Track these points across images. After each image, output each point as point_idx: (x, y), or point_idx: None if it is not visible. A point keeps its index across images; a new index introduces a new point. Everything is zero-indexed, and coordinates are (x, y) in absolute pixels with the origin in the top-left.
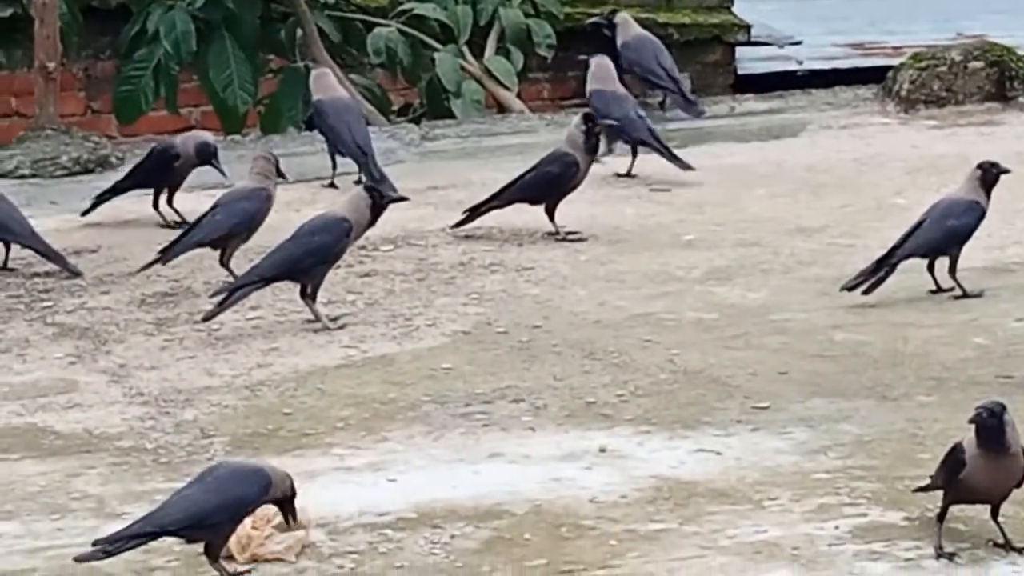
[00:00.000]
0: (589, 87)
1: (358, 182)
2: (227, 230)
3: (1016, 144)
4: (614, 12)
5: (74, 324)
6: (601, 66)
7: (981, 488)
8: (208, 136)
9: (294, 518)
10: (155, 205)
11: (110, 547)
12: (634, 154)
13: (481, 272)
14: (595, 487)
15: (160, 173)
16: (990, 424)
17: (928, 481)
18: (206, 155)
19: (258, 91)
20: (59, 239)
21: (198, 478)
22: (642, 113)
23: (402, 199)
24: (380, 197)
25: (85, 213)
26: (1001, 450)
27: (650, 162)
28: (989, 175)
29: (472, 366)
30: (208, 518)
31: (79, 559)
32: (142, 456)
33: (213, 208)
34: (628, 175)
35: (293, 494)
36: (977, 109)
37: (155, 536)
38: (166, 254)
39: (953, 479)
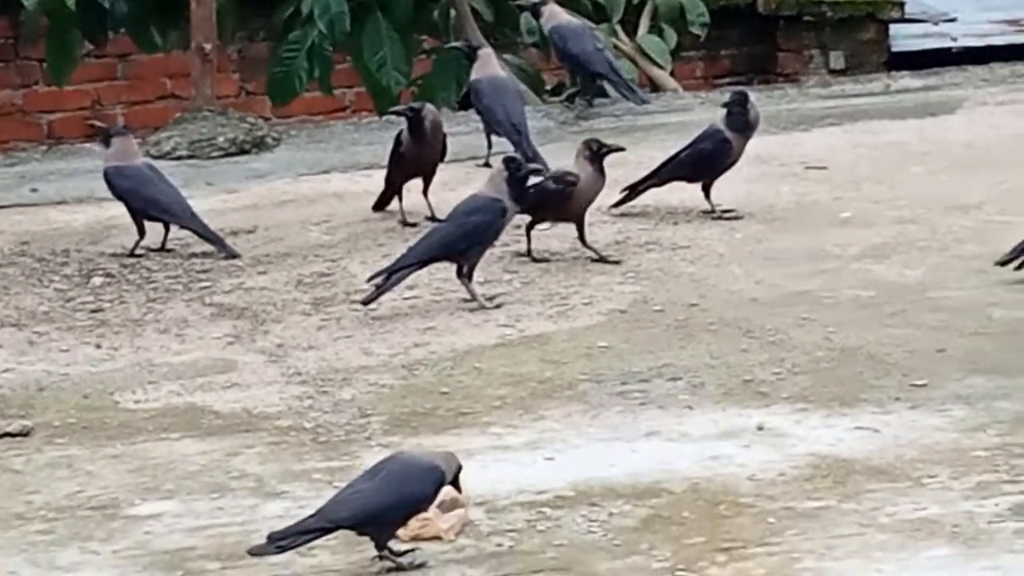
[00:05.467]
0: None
1: (485, 164)
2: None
3: None
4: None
5: (232, 304)
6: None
7: None
8: None
9: (458, 490)
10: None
11: (284, 542)
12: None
13: (637, 250)
14: (753, 465)
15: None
16: None
17: None
18: None
19: (412, 72)
20: (215, 220)
21: (371, 472)
22: (600, 46)
23: (540, 171)
24: (517, 169)
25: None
26: None
27: (805, 140)
28: None
29: (628, 344)
30: (382, 515)
31: (253, 552)
32: (301, 435)
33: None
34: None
35: (459, 469)
36: None
37: (329, 531)
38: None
39: None
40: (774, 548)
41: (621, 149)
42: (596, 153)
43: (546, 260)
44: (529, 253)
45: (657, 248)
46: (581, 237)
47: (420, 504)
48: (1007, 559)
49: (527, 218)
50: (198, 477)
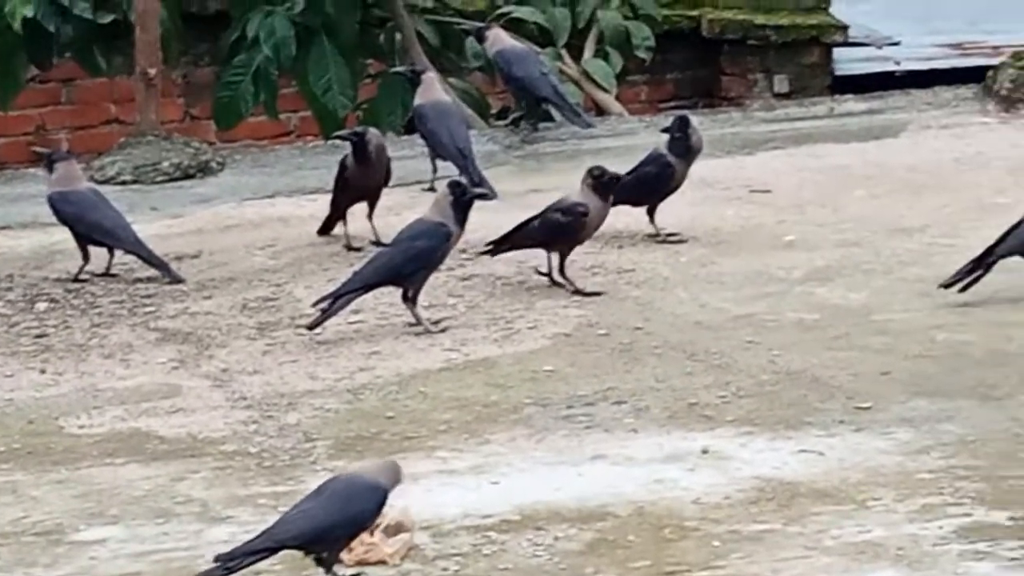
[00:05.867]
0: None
1: (430, 188)
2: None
3: None
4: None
5: (177, 329)
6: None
7: None
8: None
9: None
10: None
11: (232, 563)
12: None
13: (582, 274)
14: (698, 488)
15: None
16: None
17: None
18: None
19: (357, 95)
20: (160, 245)
21: (316, 492)
22: (545, 70)
23: (485, 196)
24: (462, 193)
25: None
26: None
27: (749, 163)
28: None
29: (574, 368)
30: (328, 534)
31: None
32: (246, 460)
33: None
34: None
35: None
36: None
37: (275, 551)
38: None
39: None
40: (719, 571)
41: (619, 177)
42: (599, 180)
43: (584, 293)
44: (575, 291)
45: (602, 272)
46: (561, 263)
47: (365, 523)
48: None
49: (470, 241)
50: (143, 502)
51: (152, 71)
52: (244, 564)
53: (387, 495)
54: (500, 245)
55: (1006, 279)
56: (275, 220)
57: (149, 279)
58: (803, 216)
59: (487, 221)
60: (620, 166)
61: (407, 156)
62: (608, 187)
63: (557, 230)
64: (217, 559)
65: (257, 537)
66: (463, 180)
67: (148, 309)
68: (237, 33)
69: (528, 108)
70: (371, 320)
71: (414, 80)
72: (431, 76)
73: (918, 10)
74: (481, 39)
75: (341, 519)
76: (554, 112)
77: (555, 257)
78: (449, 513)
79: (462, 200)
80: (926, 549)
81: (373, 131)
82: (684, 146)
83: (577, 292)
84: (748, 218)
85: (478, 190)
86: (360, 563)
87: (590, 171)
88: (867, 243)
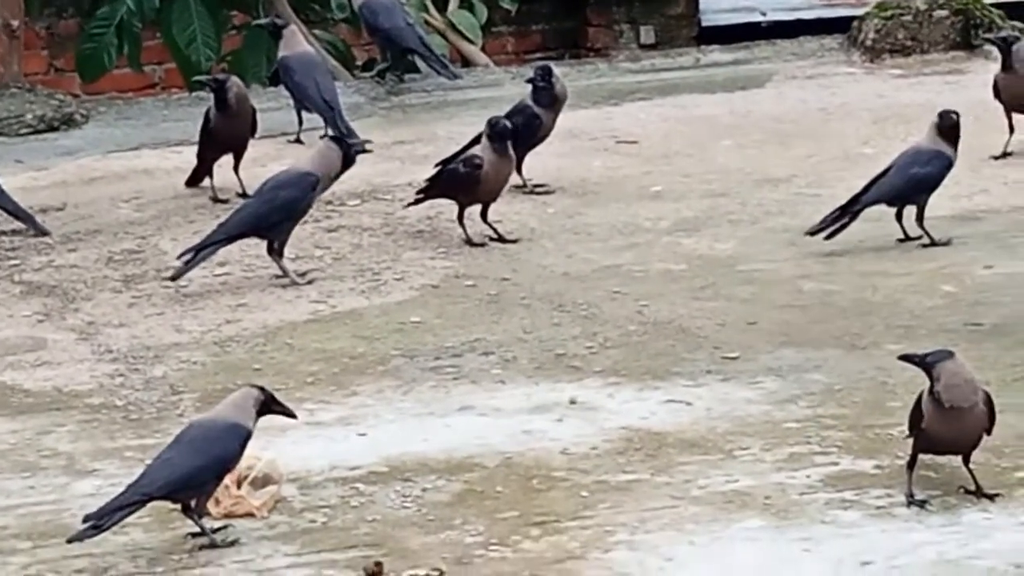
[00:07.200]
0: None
1: (324, 136)
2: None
3: (982, 92)
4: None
5: (41, 282)
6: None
7: (941, 439)
8: None
9: (289, 413)
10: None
11: (100, 522)
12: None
13: (448, 226)
14: (566, 439)
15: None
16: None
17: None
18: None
19: (221, 48)
20: (25, 197)
21: (175, 440)
22: (411, 20)
23: (366, 150)
24: (349, 148)
25: None
26: (952, 402)
27: (616, 114)
28: (946, 124)
29: (441, 319)
30: (193, 479)
31: (71, 540)
32: (112, 413)
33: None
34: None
35: (268, 397)
36: (942, 58)
37: (143, 504)
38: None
39: (917, 429)
40: (587, 521)
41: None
42: (495, 129)
43: (481, 244)
44: (468, 240)
45: (469, 223)
46: (483, 214)
47: (229, 463)
48: (819, 530)
49: (336, 193)
50: (8, 456)
51: (15, 23)
52: (114, 521)
53: (249, 432)
54: (422, 196)
55: (871, 228)
56: (140, 172)
57: (14, 232)
58: (670, 167)
59: (352, 172)
60: (486, 117)
61: (272, 108)
62: (501, 136)
63: (455, 180)
64: (86, 519)
65: (123, 492)
66: (349, 138)
67: (13, 262)
68: None
69: (394, 59)
70: (237, 272)
71: (276, 33)
72: (293, 28)
73: None
74: None
75: (205, 462)
76: (420, 63)
77: (476, 208)
78: (316, 465)
79: (348, 154)
80: (793, 498)
81: (234, 79)
82: (550, 95)
83: (501, 238)
84: (615, 169)
85: (362, 144)
86: (227, 516)
87: (489, 122)
88: (734, 193)
